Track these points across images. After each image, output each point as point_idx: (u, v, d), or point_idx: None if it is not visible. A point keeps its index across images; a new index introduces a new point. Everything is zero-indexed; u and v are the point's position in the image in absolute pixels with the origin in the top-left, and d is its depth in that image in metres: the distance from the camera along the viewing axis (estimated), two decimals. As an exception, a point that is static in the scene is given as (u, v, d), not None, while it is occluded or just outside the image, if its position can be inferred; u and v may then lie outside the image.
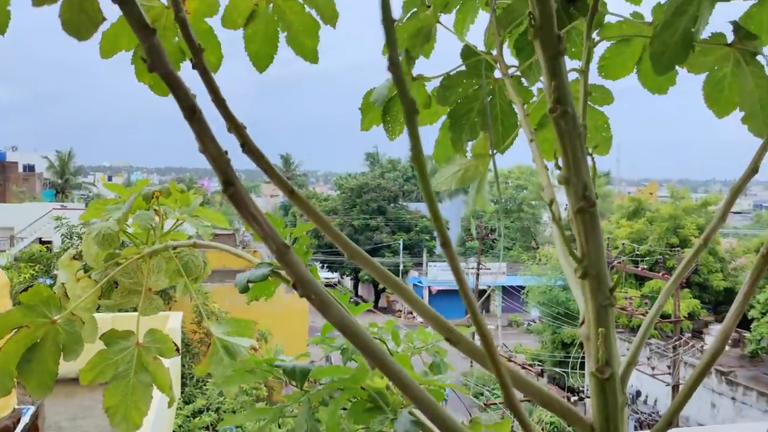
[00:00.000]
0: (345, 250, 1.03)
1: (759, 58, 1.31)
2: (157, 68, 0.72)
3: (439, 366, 1.80)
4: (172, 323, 10.48)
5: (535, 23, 0.93)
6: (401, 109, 1.58)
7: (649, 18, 1.50)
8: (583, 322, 1.00)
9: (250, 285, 1.47)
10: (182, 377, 14.05)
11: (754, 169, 1.08)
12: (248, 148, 1.02)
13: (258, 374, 1.55)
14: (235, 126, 1.01)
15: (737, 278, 27.56)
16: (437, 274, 39.10)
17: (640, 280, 27.27)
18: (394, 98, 1.53)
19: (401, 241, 41.31)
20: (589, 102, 1.50)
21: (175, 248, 1.73)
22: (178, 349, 1.55)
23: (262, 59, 1.24)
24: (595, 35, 1.50)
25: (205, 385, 14.83)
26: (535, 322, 33.55)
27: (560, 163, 0.96)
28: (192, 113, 0.76)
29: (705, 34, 1.36)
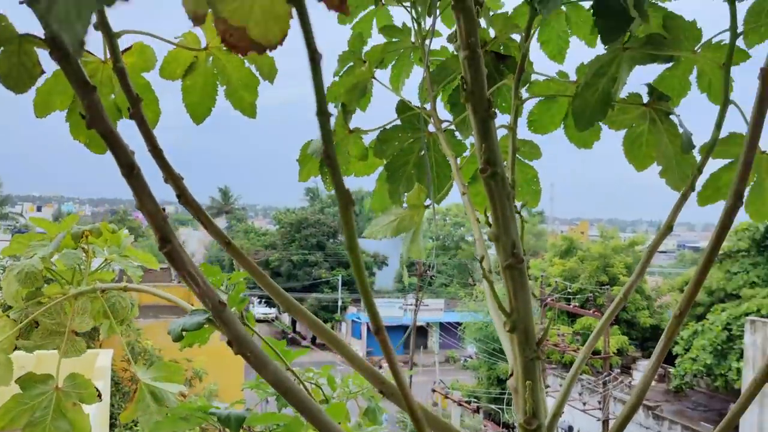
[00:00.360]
0: (281, 303, 1.04)
1: (673, 117, 1.41)
2: (96, 125, 0.72)
3: (374, 411, 1.81)
4: (101, 361, 10.06)
5: (467, 88, 0.98)
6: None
7: (573, 76, 1.60)
8: (511, 375, 1.04)
9: (185, 333, 1.45)
10: (111, 417, 13.36)
11: (668, 227, 1.16)
12: (185, 199, 1.02)
13: (192, 421, 1.52)
14: (172, 177, 1.01)
15: (663, 315, 28.70)
16: (376, 310, 38.92)
17: (572, 317, 28.01)
18: (332, 147, 1.56)
19: (340, 277, 41.09)
20: (518, 156, 1.57)
21: (103, 291, 1.69)
22: (100, 395, 1.50)
23: (199, 111, 1.25)
24: (524, 91, 1.58)
25: (136, 425, 14.16)
26: (471, 358, 33.80)
27: (490, 220, 1.01)
28: (130, 171, 0.76)
29: (623, 94, 1.46)
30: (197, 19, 0.59)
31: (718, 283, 24.53)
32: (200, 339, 1.59)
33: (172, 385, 1.56)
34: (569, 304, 25.92)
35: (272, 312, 45.06)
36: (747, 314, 21.08)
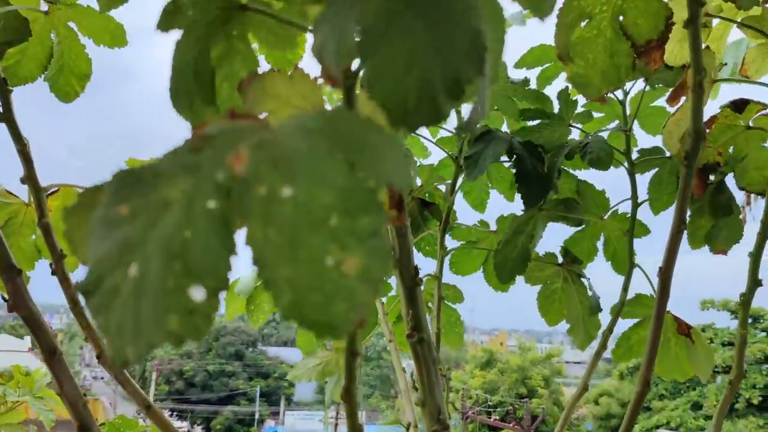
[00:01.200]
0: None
1: (584, 280, 1.50)
2: (18, 309, 0.70)
3: None
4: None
5: (394, 256, 1.02)
6: (264, 299, 1.60)
7: (493, 225, 1.69)
8: None
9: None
10: None
11: (584, 387, 1.20)
12: (104, 360, 0.99)
13: None
14: (92, 339, 0.98)
15: (579, 427, 28.86)
16: (295, 423, 37.22)
17: (493, 430, 27.72)
18: (258, 288, 1.55)
19: (258, 388, 39.27)
20: (443, 301, 1.61)
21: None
22: None
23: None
24: (448, 236, 1.65)
25: None
26: (392, 476, 32.46)
27: (416, 384, 1.02)
28: (52, 355, 0.73)
29: (541, 252, 1.54)
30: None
31: (630, 396, 25.08)
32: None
33: None
34: (490, 417, 25.74)
35: (184, 426, 42.11)
36: (658, 426, 21.54)
